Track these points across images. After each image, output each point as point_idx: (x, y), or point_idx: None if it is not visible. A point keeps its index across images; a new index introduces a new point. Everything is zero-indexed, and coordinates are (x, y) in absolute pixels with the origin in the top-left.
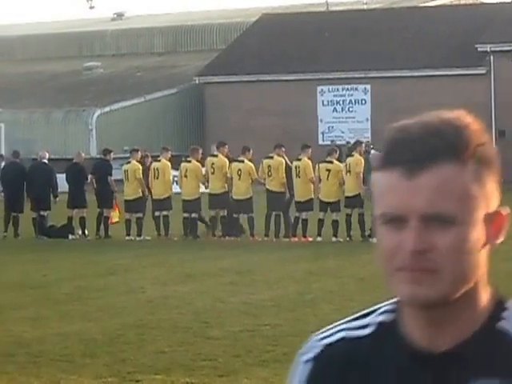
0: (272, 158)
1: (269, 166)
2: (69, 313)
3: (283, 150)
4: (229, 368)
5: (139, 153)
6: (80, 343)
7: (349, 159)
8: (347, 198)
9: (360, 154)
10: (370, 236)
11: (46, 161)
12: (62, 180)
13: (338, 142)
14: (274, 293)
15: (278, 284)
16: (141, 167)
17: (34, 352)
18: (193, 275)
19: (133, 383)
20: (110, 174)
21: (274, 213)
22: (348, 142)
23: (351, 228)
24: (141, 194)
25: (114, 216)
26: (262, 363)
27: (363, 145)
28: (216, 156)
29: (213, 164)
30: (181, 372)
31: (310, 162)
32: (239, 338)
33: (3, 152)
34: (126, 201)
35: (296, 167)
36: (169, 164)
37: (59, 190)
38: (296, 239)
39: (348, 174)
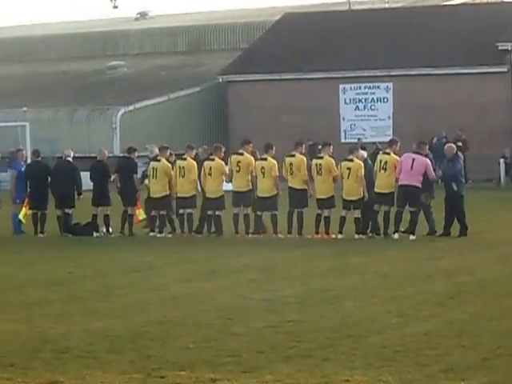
0: (294, 155)
1: (290, 164)
2: (94, 309)
3: (304, 147)
4: (252, 364)
5: (169, 150)
6: (105, 340)
7: (385, 157)
8: (379, 194)
9: (394, 153)
10: (394, 232)
11: (70, 159)
12: (85, 178)
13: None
14: (297, 289)
15: (301, 280)
16: (170, 165)
17: (60, 348)
18: (216, 272)
19: (157, 379)
20: (135, 172)
21: (296, 210)
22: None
23: (385, 225)
24: (168, 192)
25: (140, 214)
26: (285, 359)
27: (398, 144)
28: (242, 154)
29: (239, 162)
30: (205, 368)
31: (331, 159)
32: (263, 334)
33: (29, 151)
34: (153, 198)
35: (317, 165)
36: (194, 163)
37: (84, 187)
38: (319, 236)
39: (383, 171)
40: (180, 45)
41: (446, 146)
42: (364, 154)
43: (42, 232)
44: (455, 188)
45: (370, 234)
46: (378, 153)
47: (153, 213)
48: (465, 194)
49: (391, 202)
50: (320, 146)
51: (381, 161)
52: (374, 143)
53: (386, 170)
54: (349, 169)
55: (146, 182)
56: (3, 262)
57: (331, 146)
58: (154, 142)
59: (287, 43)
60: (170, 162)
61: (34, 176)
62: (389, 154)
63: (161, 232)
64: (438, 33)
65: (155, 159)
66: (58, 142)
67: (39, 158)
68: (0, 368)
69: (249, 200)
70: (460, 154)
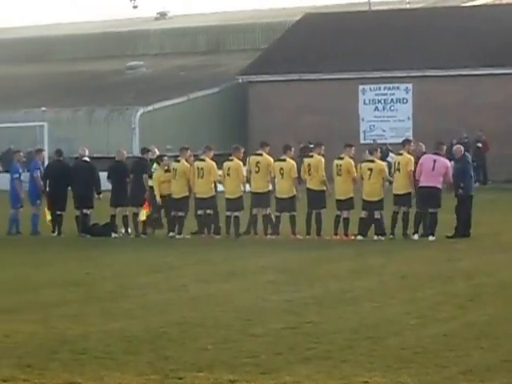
0: (312, 156)
1: (309, 165)
2: (112, 310)
3: (323, 148)
4: (271, 365)
5: (189, 151)
6: (123, 340)
7: (398, 157)
8: (396, 195)
9: (408, 153)
10: (413, 233)
11: (86, 158)
12: (103, 178)
13: (379, 141)
14: (316, 290)
15: (320, 282)
16: (189, 166)
17: (78, 349)
18: (235, 273)
19: (175, 380)
20: (146, 173)
21: (314, 211)
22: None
23: (395, 226)
24: (187, 193)
25: (143, 214)
26: (304, 361)
27: (412, 143)
28: (261, 155)
29: (258, 163)
30: (223, 369)
31: (351, 160)
32: (281, 335)
33: (47, 151)
34: (173, 199)
35: (337, 165)
36: (213, 164)
37: (102, 188)
38: (338, 237)
39: (397, 172)
40: (199, 45)
41: (454, 147)
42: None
43: (59, 233)
44: (461, 189)
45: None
46: (387, 154)
47: (172, 213)
48: (474, 195)
49: (408, 202)
50: (311, 146)
51: (395, 162)
52: (385, 144)
53: (400, 170)
54: (370, 169)
55: (150, 182)
56: (21, 263)
57: (323, 147)
58: (173, 143)
59: (307, 44)
60: (189, 163)
61: (54, 175)
62: (401, 154)
63: (180, 233)
64: (458, 33)
65: (176, 160)
66: (76, 142)
67: (61, 158)
68: (17, 369)
69: (268, 201)
70: (468, 154)
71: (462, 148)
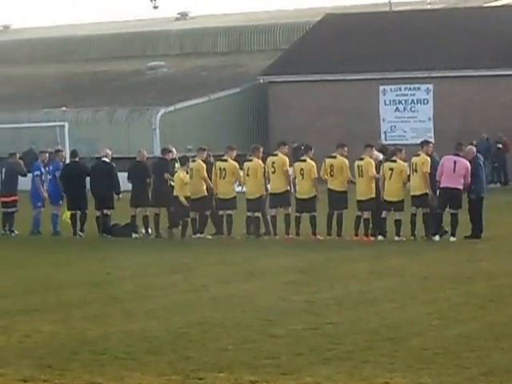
0: (335, 157)
1: (331, 166)
2: (132, 311)
3: (346, 149)
4: (291, 366)
5: (206, 152)
6: (144, 341)
7: (415, 158)
8: (413, 197)
9: (427, 154)
10: (434, 234)
11: (106, 159)
12: (124, 178)
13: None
14: (337, 291)
15: (340, 282)
16: (205, 166)
17: (98, 350)
18: (255, 273)
19: (196, 381)
20: (167, 172)
21: (335, 212)
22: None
23: (416, 227)
24: (205, 193)
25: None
26: (324, 361)
27: (430, 145)
28: (276, 155)
29: (273, 163)
30: (244, 370)
31: (372, 161)
32: (302, 336)
33: (68, 151)
34: (191, 200)
35: (358, 166)
36: (236, 165)
37: (122, 188)
38: (358, 238)
39: (415, 173)
40: (220, 45)
41: (466, 148)
42: (379, 155)
43: (81, 231)
44: (473, 194)
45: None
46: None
47: (192, 214)
48: (485, 196)
49: (426, 203)
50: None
51: (412, 163)
52: (395, 145)
53: (417, 171)
54: (391, 169)
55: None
56: (42, 263)
57: (345, 148)
58: (194, 143)
59: (328, 44)
60: (206, 163)
61: (71, 176)
62: (419, 155)
63: (201, 232)
64: (479, 34)
65: (192, 160)
66: (97, 143)
67: (77, 159)
68: (38, 369)
69: (287, 200)
70: (480, 155)
71: (474, 149)
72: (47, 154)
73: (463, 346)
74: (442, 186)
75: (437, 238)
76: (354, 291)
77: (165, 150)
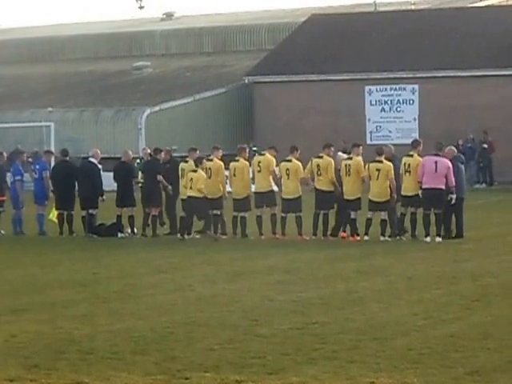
0: (321, 157)
1: (318, 166)
2: (119, 310)
3: (332, 149)
4: (277, 366)
5: (197, 152)
6: (130, 341)
7: (408, 159)
8: (405, 197)
9: (418, 155)
10: (425, 236)
11: (93, 159)
12: (109, 178)
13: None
14: (323, 291)
15: (327, 282)
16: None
17: (85, 349)
18: (241, 273)
19: (182, 380)
20: (160, 173)
21: (322, 212)
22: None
23: (403, 227)
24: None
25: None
26: (310, 361)
27: (421, 144)
28: (263, 155)
29: (259, 162)
30: (230, 370)
31: (361, 160)
32: (288, 335)
33: (53, 151)
34: (181, 199)
35: (346, 166)
36: (221, 164)
37: (108, 188)
38: (344, 234)
39: (407, 174)
40: (206, 46)
41: (446, 149)
42: (343, 156)
43: (71, 232)
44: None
45: (398, 237)
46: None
47: (182, 214)
48: (468, 197)
49: (416, 203)
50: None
51: (405, 163)
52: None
53: (410, 172)
54: (378, 170)
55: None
56: (28, 263)
57: (298, 151)
58: (179, 143)
59: (313, 45)
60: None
61: (60, 176)
62: (412, 156)
63: (189, 233)
64: (464, 35)
65: (184, 160)
66: (83, 143)
67: (67, 158)
68: (24, 369)
69: (272, 200)
70: (461, 156)
71: (455, 149)
72: (25, 155)
73: (449, 346)
74: (424, 186)
75: (428, 239)
76: (340, 291)
77: (157, 150)
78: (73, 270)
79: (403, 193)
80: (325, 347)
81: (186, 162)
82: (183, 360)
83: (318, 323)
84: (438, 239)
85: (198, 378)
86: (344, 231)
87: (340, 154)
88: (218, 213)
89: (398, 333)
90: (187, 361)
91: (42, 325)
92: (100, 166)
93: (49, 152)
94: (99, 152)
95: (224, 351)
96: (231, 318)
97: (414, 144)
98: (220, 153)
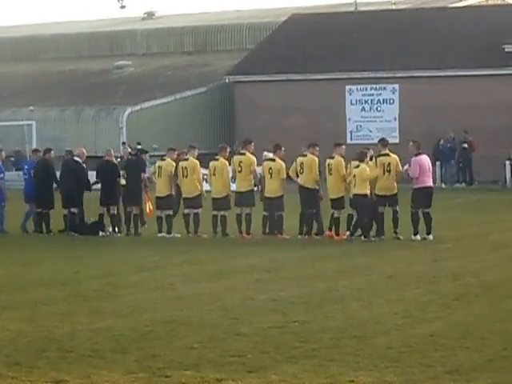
0: (306, 155)
1: (301, 164)
2: (99, 309)
3: (317, 149)
4: (257, 364)
5: (176, 152)
6: (110, 339)
7: (386, 158)
8: (384, 196)
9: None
10: (414, 235)
11: (77, 158)
12: (92, 177)
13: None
14: (303, 290)
15: (307, 281)
16: (174, 165)
17: (65, 347)
18: (222, 272)
19: (162, 379)
20: (144, 171)
21: (308, 211)
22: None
23: (383, 226)
24: (171, 192)
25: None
26: (290, 359)
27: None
28: (243, 154)
29: (240, 162)
30: (210, 368)
31: (342, 159)
32: (268, 334)
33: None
34: (157, 198)
35: (328, 165)
36: (197, 162)
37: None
38: (330, 233)
39: (387, 173)
40: (187, 45)
41: (409, 145)
42: (269, 155)
43: (48, 232)
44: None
45: (373, 239)
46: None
47: (158, 213)
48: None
49: (395, 203)
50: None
51: (384, 163)
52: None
53: (389, 172)
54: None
55: (123, 181)
56: (9, 261)
57: (317, 147)
58: (160, 142)
59: (294, 44)
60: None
61: (40, 174)
62: (388, 155)
63: (169, 233)
64: (444, 35)
65: (161, 159)
66: (65, 141)
67: (46, 156)
68: (5, 367)
69: (251, 200)
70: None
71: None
72: (3, 153)
73: (428, 345)
74: (424, 185)
75: (418, 237)
76: (321, 290)
77: (142, 150)
78: (54, 268)
79: (380, 192)
80: (305, 346)
81: (164, 160)
82: (163, 358)
83: (298, 322)
84: (430, 237)
85: (178, 376)
86: (330, 230)
87: (266, 153)
88: (197, 212)
89: (377, 331)
90: (167, 359)
91: (22, 323)
92: (84, 165)
93: (36, 150)
94: (85, 151)
95: (204, 349)
96: (211, 317)
97: (384, 143)
98: (196, 152)
